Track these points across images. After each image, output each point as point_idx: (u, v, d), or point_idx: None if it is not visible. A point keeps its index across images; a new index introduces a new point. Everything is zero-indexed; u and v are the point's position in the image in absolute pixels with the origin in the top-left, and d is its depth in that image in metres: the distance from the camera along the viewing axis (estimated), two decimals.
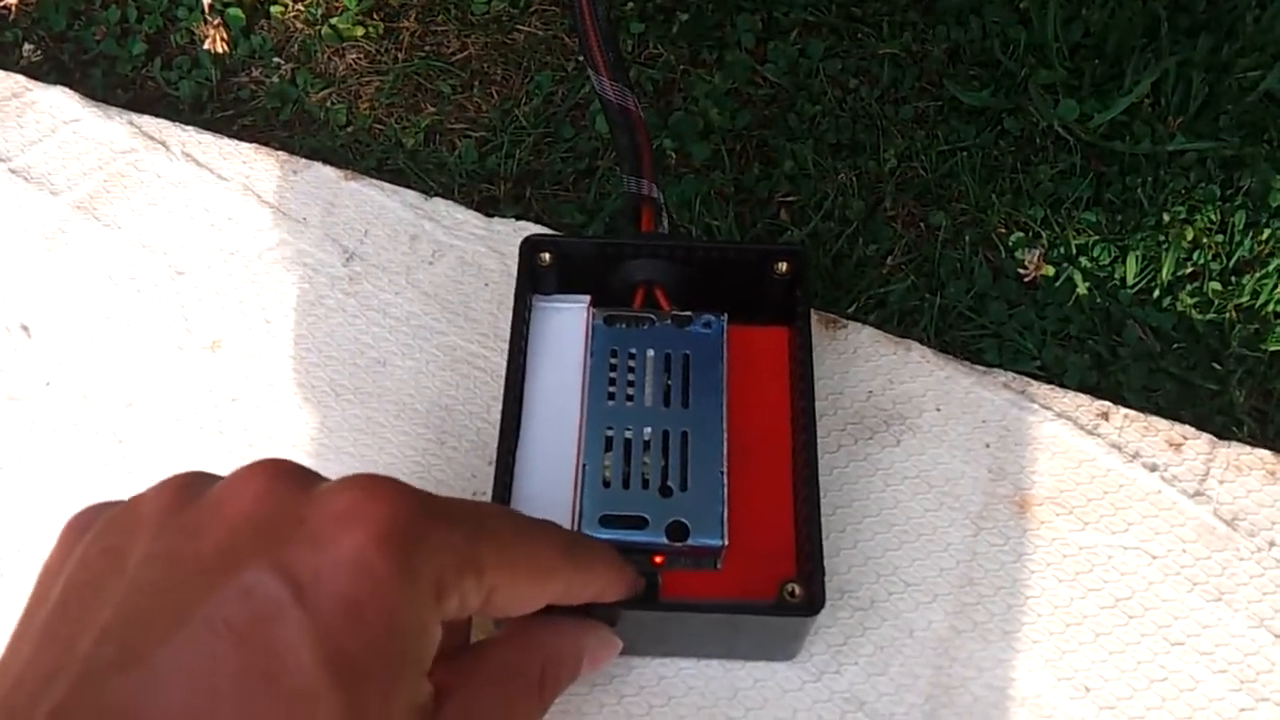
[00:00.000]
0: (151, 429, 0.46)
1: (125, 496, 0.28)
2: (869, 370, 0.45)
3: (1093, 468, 0.43)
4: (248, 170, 0.52)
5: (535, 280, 0.42)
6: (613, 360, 0.39)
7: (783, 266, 0.41)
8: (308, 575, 0.24)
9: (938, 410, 0.44)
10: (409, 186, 0.52)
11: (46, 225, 0.51)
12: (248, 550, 0.24)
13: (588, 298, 0.42)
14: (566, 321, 0.42)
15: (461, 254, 0.49)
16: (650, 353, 0.39)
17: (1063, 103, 0.60)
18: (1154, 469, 0.43)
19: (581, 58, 0.51)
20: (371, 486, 0.26)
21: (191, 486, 0.27)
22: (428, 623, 0.25)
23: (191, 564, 0.24)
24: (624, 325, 0.40)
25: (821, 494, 0.41)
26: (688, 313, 0.40)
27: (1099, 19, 0.64)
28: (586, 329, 0.40)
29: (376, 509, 0.25)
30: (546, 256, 0.41)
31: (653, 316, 0.40)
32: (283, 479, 0.26)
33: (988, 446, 0.43)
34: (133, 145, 0.53)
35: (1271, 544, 0.41)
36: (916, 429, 0.44)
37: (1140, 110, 0.60)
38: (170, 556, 0.25)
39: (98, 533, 0.26)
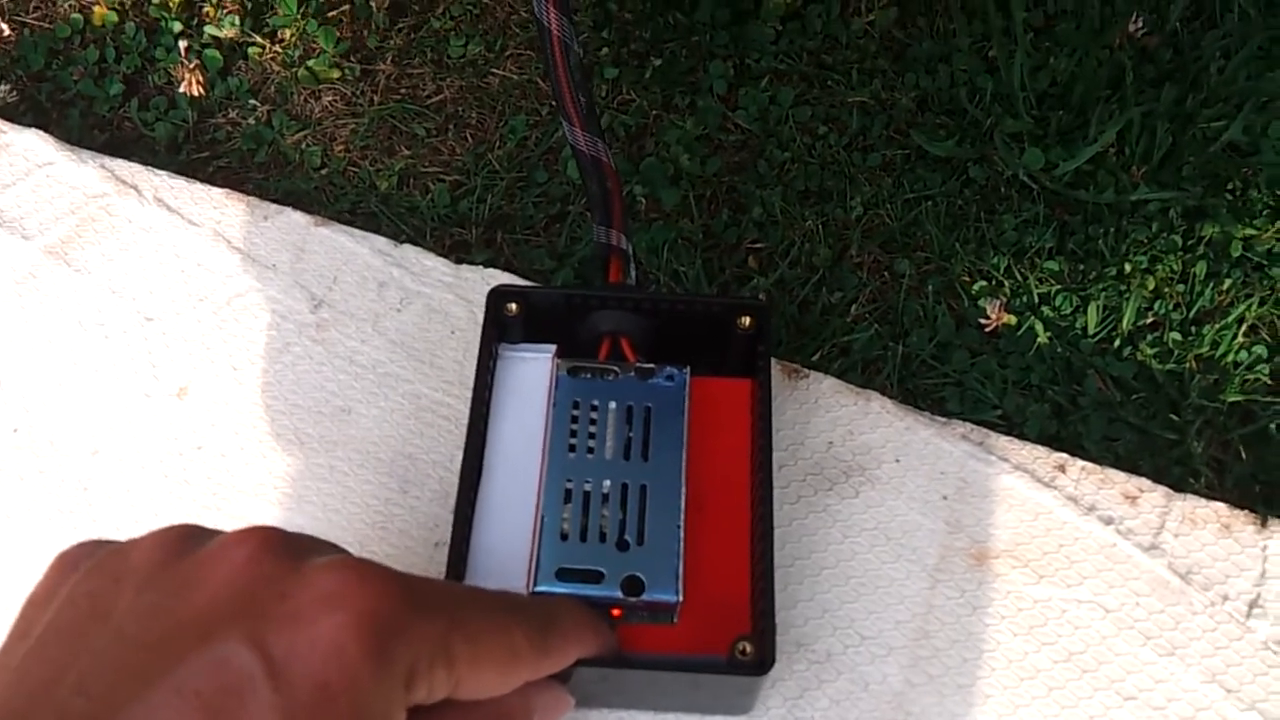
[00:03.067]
0: (117, 477, 0.46)
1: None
2: (829, 421, 0.46)
3: (1049, 520, 0.43)
4: (219, 215, 0.53)
5: (502, 330, 0.42)
6: (575, 412, 0.40)
7: (746, 321, 0.41)
8: (282, 652, 0.24)
9: (897, 462, 0.45)
10: (381, 231, 0.52)
11: (17, 270, 0.51)
12: (226, 619, 0.25)
13: (553, 347, 0.42)
14: (531, 371, 0.42)
15: (429, 301, 0.50)
16: (612, 405, 0.40)
17: (1028, 151, 0.61)
18: (1109, 522, 0.43)
19: (555, 104, 0.52)
20: (358, 571, 0.26)
21: (186, 540, 0.28)
22: (393, 711, 0.26)
23: (171, 624, 0.25)
24: (588, 376, 0.41)
25: (780, 546, 0.42)
26: (651, 365, 0.41)
27: (1065, 68, 0.65)
28: (551, 379, 0.41)
29: (360, 595, 0.26)
30: (514, 307, 0.42)
31: (616, 369, 0.41)
32: (271, 549, 0.27)
33: (945, 499, 0.44)
34: (105, 189, 0.54)
35: (1225, 598, 0.42)
36: (876, 480, 0.44)
37: (1105, 160, 0.61)
38: (153, 612, 0.25)
39: (86, 573, 0.27)
